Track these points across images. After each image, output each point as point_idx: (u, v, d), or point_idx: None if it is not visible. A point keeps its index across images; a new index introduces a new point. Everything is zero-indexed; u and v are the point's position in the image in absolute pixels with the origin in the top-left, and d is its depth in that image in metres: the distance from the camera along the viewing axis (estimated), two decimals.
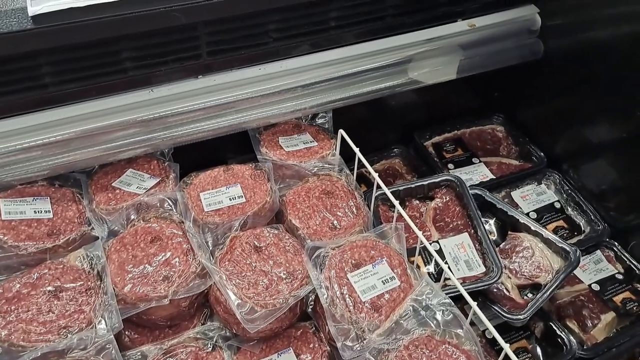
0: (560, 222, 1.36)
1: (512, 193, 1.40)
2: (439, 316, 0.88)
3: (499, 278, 1.08)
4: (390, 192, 1.27)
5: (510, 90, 1.56)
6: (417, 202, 1.29)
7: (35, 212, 1.00)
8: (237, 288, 0.90)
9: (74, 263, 0.94)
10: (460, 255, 1.16)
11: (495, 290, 1.15)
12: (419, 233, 0.93)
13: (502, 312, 1.08)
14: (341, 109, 1.31)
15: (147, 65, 1.04)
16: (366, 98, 1.29)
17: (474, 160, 1.48)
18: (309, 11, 1.13)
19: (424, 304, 0.89)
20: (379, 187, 1.31)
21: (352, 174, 1.14)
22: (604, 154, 1.33)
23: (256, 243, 0.98)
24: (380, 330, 0.86)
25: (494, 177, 1.42)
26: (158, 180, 1.10)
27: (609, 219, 1.33)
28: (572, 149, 1.42)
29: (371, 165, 1.48)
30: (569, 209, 1.39)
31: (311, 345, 0.94)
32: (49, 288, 0.90)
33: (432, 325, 0.87)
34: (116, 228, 1.02)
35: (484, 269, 1.12)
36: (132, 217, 1.03)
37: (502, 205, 1.27)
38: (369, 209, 1.11)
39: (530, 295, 1.14)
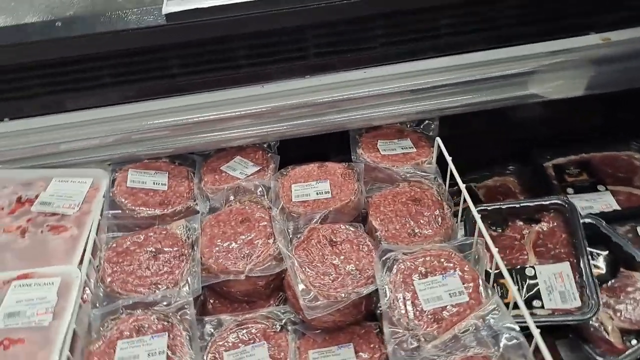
0: None
1: (638, 228, 1.25)
2: (501, 339, 0.83)
3: (592, 315, 0.98)
4: (493, 209, 1.23)
5: None
6: (522, 223, 1.22)
7: (154, 183, 1.15)
8: (305, 276, 0.95)
9: (175, 231, 1.06)
10: (556, 285, 1.07)
11: (592, 329, 1.04)
12: (493, 248, 0.89)
13: (594, 354, 0.98)
14: (456, 119, 1.29)
15: (259, 63, 1.14)
16: (477, 108, 1.25)
17: (599, 187, 1.34)
18: (421, 17, 1.14)
19: (488, 323, 0.84)
20: (480, 202, 1.27)
21: (445, 184, 1.11)
22: None
23: (332, 237, 1.01)
24: (437, 342, 0.84)
25: (619, 209, 1.28)
26: (259, 168, 1.19)
27: None
28: None
29: (483, 181, 1.45)
30: None
31: (372, 345, 0.95)
32: (151, 249, 1.03)
33: (490, 346, 0.82)
34: (217, 206, 1.13)
35: (579, 304, 1.02)
36: (231, 198, 1.13)
37: (618, 239, 1.14)
38: (457, 222, 1.08)
39: (634, 342, 1.01)
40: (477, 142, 1.44)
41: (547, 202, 1.20)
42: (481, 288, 0.91)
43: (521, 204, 1.22)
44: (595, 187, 1.34)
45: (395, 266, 0.94)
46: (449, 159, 1.06)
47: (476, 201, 1.37)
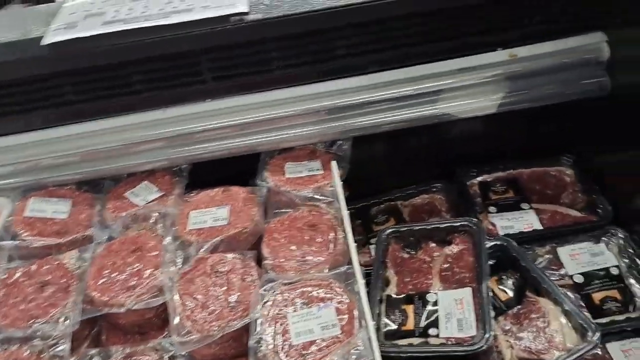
0: (613, 292, 1.13)
1: (558, 249, 1.20)
2: None
3: (482, 347, 0.94)
4: (405, 231, 1.20)
5: (581, 130, 1.34)
6: (435, 245, 1.19)
7: (54, 212, 1.14)
8: (183, 308, 0.93)
9: (66, 261, 1.05)
10: (455, 312, 1.04)
11: (490, 358, 1.00)
12: (358, 271, 0.86)
13: None
14: (372, 138, 1.26)
15: (157, 88, 1.13)
16: (389, 128, 1.22)
17: (522, 205, 1.30)
18: (324, 37, 1.12)
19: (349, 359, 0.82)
20: (404, 221, 1.26)
21: (342, 208, 1.09)
22: None
23: (219, 267, 1.00)
24: None
25: (541, 228, 1.24)
26: (162, 194, 1.17)
27: None
28: None
29: (410, 199, 1.42)
30: (630, 279, 1.15)
31: None
32: (39, 281, 1.02)
33: None
34: (115, 235, 1.12)
35: (474, 332, 0.99)
36: (130, 226, 1.12)
37: (526, 262, 1.10)
38: (354, 246, 1.05)
39: None
40: (403, 160, 1.41)
41: (457, 224, 1.17)
42: (356, 321, 0.89)
43: (432, 226, 1.19)
44: (519, 206, 1.31)
45: (272, 298, 0.92)
46: (338, 183, 1.04)
47: (400, 220, 1.36)
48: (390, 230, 1.20)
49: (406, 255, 1.18)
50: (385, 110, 1.21)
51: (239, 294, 0.95)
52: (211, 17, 1.03)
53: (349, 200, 1.37)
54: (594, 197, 1.28)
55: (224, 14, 1.01)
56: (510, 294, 1.09)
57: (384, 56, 1.16)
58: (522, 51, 1.15)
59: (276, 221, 1.09)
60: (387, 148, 1.39)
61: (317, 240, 1.03)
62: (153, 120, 1.16)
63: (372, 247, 1.28)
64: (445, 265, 1.13)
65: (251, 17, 1.02)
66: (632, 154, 1.21)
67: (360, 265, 1.07)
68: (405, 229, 1.20)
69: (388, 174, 1.42)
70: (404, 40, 1.14)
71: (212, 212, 1.09)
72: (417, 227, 1.19)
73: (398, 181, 1.43)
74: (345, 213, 0.98)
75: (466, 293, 1.06)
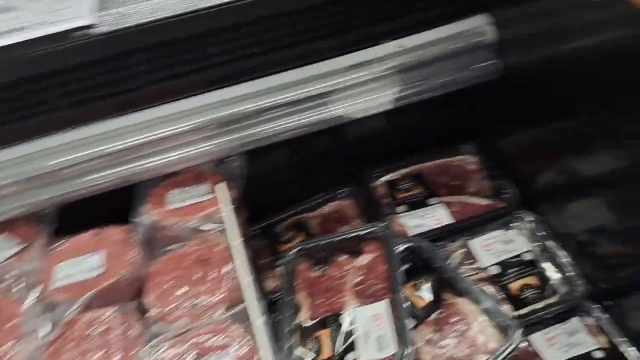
0: (530, 279, 1.09)
1: (469, 242, 1.15)
2: None
3: None
4: (313, 247, 1.10)
5: (479, 114, 1.31)
6: (345, 257, 1.10)
7: None
8: None
9: None
10: (373, 330, 0.95)
11: None
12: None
13: None
14: (268, 149, 1.15)
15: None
16: (281, 138, 1.11)
17: (431, 200, 1.25)
18: (187, 47, 0.99)
19: None
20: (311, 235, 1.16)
21: (236, 234, 0.97)
22: (590, 192, 1.05)
23: (94, 327, 0.84)
24: None
25: (451, 222, 1.19)
26: (22, 247, 1.00)
27: (595, 278, 1.05)
28: (549, 184, 1.15)
29: (317, 210, 1.33)
30: (543, 262, 1.12)
31: None
32: None
33: None
34: None
35: (394, 350, 0.90)
36: None
37: (439, 262, 1.04)
38: (257, 276, 0.93)
39: None
40: (305, 169, 1.31)
41: (364, 231, 1.08)
42: None
43: (339, 237, 1.10)
44: (428, 201, 1.25)
45: (160, 355, 0.78)
46: (228, 207, 0.91)
47: (309, 235, 1.26)
48: (295, 249, 1.09)
49: (316, 274, 1.08)
50: (275, 118, 1.10)
51: (121, 355, 0.80)
52: (50, 35, 0.87)
53: (252, 221, 1.27)
54: (499, 183, 1.25)
55: (62, 29, 0.85)
56: (428, 299, 1.02)
57: (267, 59, 1.05)
58: (410, 41, 1.08)
59: (160, 262, 0.95)
60: (286, 158, 1.28)
61: (210, 278, 0.91)
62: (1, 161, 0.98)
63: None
64: (358, 279, 1.04)
65: (97, 30, 0.87)
66: (529, 132, 1.19)
67: (270, 292, 0.97)
68: (311, 245, 1.10)
69: (291, 185, 1.32)
70: (285, 41, 1.04)
71: (84, 262, 0.94)
72: (324, 241, 1.09)
73: (303, 192, 1.33)
74: (235, 241, 0.86)
75: (382, 306, 0.97)
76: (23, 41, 0.87)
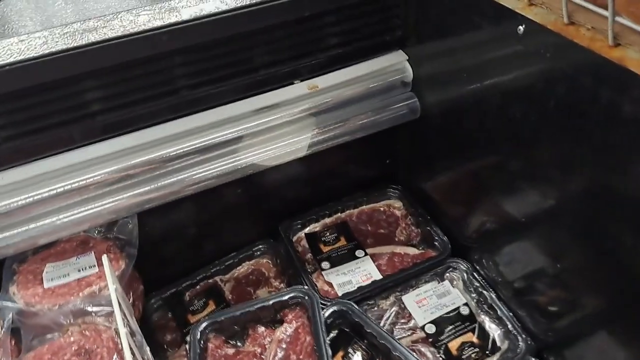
0: (468, 336, 0.99)
1: (403, 298, 1.05)
2: None
3: None
4: (225, 320, 0.94)
5: (403, 156, 1.23)
6: (264, 329, 0.95)
7: None
8: None
9: None
10: None
11: None
12: None
13: None
14: (170, 205, 0.99)
15: None
16: (181, 194, 0.97)
17: (357, 253, 1.13)
18: (56, 94, 0.83)
19: None
20: (225, 301, 1.01)
21: (126, 317, 0.80)
22: (520, 233, 0.97)
23: None
24: None
25: (380, 278, 1.07)
26: None
27: (536, 330, 0.97)
28: (479, 228, 1.07)
29: (231, 271, 1.17)
30: (481, 315, 1.03)
31: None
32: None
33: None
34: None
35: None
36: None
37: (371, 328, 0.92)
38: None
39: None
40: (215, 225, 1.16)
41: (286, 297, 0.95)
42: None
43: (257, 306, 0.95)
44: (354, 254, 1.13)
45: None
46: (112, 283, 0.74)
47: (222, 301, 1.10)
48: (205, 323, 0.93)
49: (231, 351, 0.92)
50: (173, 172, 0.95)
51: None
52: None
53: (153, 290, 1.10)
54: (428, 229, 1.16)
55: None
56: None
57: (159, 105, 0.91)
58: (322, 81, 0.99)
59: (30, 358, 0.75)
60: (190, 214, 1.12)
61: None
62: None
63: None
64: (280, 354, 0.90)
65: None
66: (455, 173, 1.11)
67: None
68: (224, 316, 0.94)
69: (198, 245, 1.16)
70: (181, 83, 0.90)
71: None
72: (239, 311, 0.94)
73: (214, 252, 1.17)
74: (122, 328, 0.69)
75: None
76: None
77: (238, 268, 1.16)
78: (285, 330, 0.92)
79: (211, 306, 1.08)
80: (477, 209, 1.06)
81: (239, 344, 0.94)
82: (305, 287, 0.97)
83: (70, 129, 0.85)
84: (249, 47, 0.92)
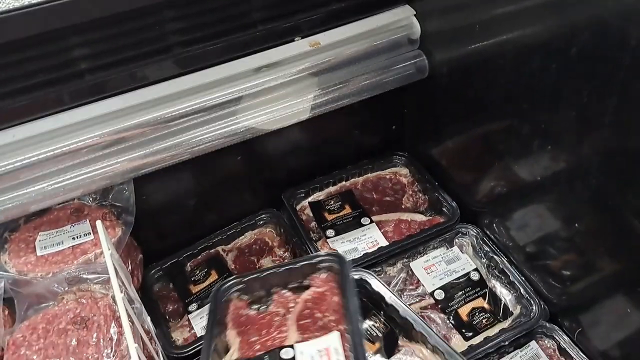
0: (479, 302, 0.96)
1: (411, 264, 1.01)
2: None
3: None
4: (249, 280, 0.89)
5: (409, 120, 1.19)
6: (290, 294, 0.90)
7: None
8: None
9: None
10: None
11: None
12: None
13: None
14: (168, 172, 0.95)
15: None
16: (178, 159, 0.92)
17: (363, 220, 1.09)
18: (47, 48, 0.78)
19: None
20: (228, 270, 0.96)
21: (124, 285, 0.76)
22: (532, 197, 0.93)
23: None
24: None
25: (387, 244, 1.04)
26: None
27: (550, 294, 0.93)
28: (489, 193, 1.03)
29: (233, 240, 1.14)
30: (492, 280, 0.99)
31: None
32: None
33: None
34: None
35: None
36: None
37: (393, 300, 0.87)
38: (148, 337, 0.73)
39: None
40: (216, 193, 1.12)
41: (315, 260, 0.87)
42: None
43: (282, 269, 0.89)
44: (359, 222, 1.09)
45: None
46: (108, 249, 0.70)
47: (224, 271, 1.06)
48: (230, 282, 0.88)
49: (254, 313, 0.88)
50: (170, 135, 0.91)
51: None
52: None
53: (155, 259, 1.06)
54: (436, 196, 1.12)
55: None
56: (380, 341, 0.86)
57: (151, 64, 0.86)
58: (324, 38, 0.93)
59: (24, 328, 0.72)
60: (190, 181, 1.08)
61: (91, 343, 0.69)
62: None
63: (192, 317, 0.97)
64: (305, 312, 0.85)
65: None
66: (464, 138, 1.07)
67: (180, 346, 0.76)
68: (249, 277, 0.89)
69: (200, 214, 1.12)
70: (174, 39, 0.85)
71: None
72: (265, 273, 0.88)
73: (216, 221, 1.13)
74: (118, 294, 0.65)
75: (332, 339, 0.79)
76: None
77: (241, 238, 1.13)
78: (311, 294, 0.87)
79: (213, 276, 1.04)
80: (487, 174, 1.02)
81: (261, 307, 0.90)
82: (334, 251, 0.92)
83: (58, 89, 0.81)
84: (247, 1, 0.87)
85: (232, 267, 1.07)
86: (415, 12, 0.99)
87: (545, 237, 0.93)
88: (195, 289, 1.03)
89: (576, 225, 0.85)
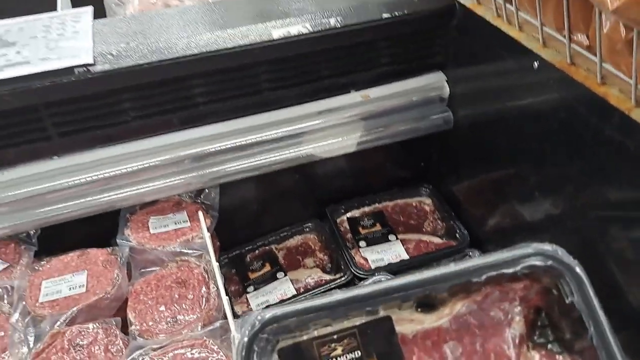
0: None
1: None
2: None
3: None
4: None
5: (435, 160, 1.46)
6: None
7: None
8: None
9: None
10: None
11: None
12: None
13: None
14: (242, 183, 1.25)
15: None
16: (254, 173, 1.22)
17: (390, 237, 1.36)
18: (175, 87, 1.09)
19: None
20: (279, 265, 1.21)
21: (212, 260, 1.05)
22: (531, 233, 1.18)
23: (78, 340, 0.90)
24: None
25: (407, 258, 1.30)
26: (6, 266, 1.05)
27: None
28: (495, 226, 1.29)
29: (284, 241, 1.42)
30: None
31: None
32: None
33: None
34: None
35: None
36: None
37: None
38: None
39: None
40: (275, 203, 1.41)
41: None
42: None
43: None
44: (387, 238, 1.36)
45: None
46: (206, 233, 1.00)
47: (276, 264, 1.34)
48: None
49: None
50: (250, 155, 1.21)
51: None
52: (52, 70, 0.95)
53: (222, 250, 1.35)
54: (451, 224, 1.38)
55: (65, 66, 0.94)
56: None
57: (245, 102, 1.16)
58: (374, 92, 1.22)
59: (141, 282, 1.02)
60: (257, 192, 1.38)
61: (188, 298, 0.98)
62: None
63: (250, 296, 1.25)
64: None
65: (98, 68, 0.97)
66: (477, 178, 1.33)
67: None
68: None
69: (261, 218, 1.41)
70: (264, 86, 1.16)
71: (68, 280, 0.99)
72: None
73: (272, 225, 1.42)
74: (215, 264, 0.94)
75: None
76: (27, 74, 0.95)
77: (290, 240, 1.41)
78: None
79: (267, 267, 1.32)
80: (495, 210, 1.27)
81: None
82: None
83: (178, 115, 1.12)
84: (318, 62, 1.17)
85: (282, 262, 1.35)
86: (446, 78, 1.27)
87: None
88: (252, 275, 1.31)
89: None
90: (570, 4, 0.83)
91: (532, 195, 1.11)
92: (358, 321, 0.58)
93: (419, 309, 0.62)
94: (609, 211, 0.92)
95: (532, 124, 1.04)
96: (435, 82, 1.27)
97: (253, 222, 1.39)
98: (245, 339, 0.50)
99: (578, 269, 0.56)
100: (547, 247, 0.58)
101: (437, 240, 1.36)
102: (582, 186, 0.95)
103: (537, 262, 0.58)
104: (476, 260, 0.58)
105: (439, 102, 1.29)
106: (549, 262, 0.57)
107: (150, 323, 0.94)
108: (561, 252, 0.58)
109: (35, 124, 1.01)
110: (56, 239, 1.13)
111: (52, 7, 1.73)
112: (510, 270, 0.59)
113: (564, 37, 0.88)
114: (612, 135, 0.86)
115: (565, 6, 0.84)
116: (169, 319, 0.94)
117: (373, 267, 1.27)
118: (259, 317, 0.52)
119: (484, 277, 0.58)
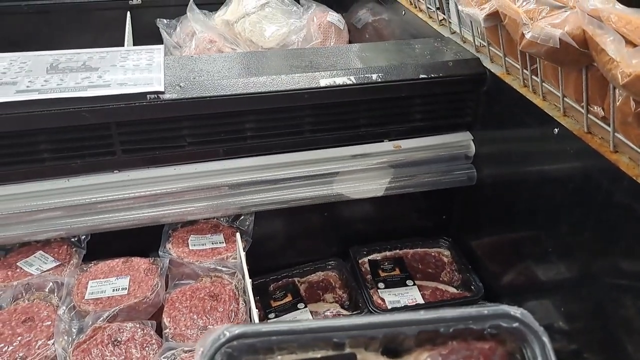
0: None
1: None
2: None
3: None
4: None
5: (457, 214, 1.54)
6: None
7: None
8: None
9: None
10: None
11: None
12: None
13: None
14: (273, 216, 1.35)
15: (63, 157, 1.14)
16: (287, 205, 1.32)
17: (407, 282, 1.43)
18: (230, 120, 1.22)
19: None
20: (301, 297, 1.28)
21: (244, 279, 1.14)
22: (544, 293, 1.24)
23: (117, 336, 0.98)
24: None
25: (423, 302, 1.37)
26: (58, 264, 1.15)
27: None
28: (510, 283, 1.35)
29: (307, 276, 1.50)
30: None
31: None
32: None
33: None
34: (3, 304, 1.06)
35: None
36: (22, 296, 1.08)
37: None
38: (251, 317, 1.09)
39: None
40: (302, 238, 1.50)
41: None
42: None
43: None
44: (405, 282, 1.43)
45: None
46: (242, 253, 1.09)
47: (297, 296, 1.42)
48: None
49: None
50: (284, 188, 1.31)
51: None
52: (127, 94, 1.09)
53: (250, 276, 1.43)
54: (468, 276, 1.45)
55: (140, 91, 1.08)
56: None
57: (287, 140, 1.28)
58: (405, 143, 1.33)
59: (177, 291, 1.11)
60: (287, 226, 1.47)
61: (219, 310, 1.07)
62: (54, 189, 1.16)
63: (270, 322, 1.32)
64: None
65: (167, 96, 1.10)
66: (496, 236, 1.41)
67: None
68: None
69: (287, 251, 1.50)
70: (307, 127, 1.28)
71: (112, 282, 1.09)
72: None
73: (296, 258, 1.51)
74: (248, 282, 1.03)
75: None
76: (105, 95, 1.09)
77: (313, 275, 1.49)
78: None
79: (288, 298, 1.40)
80: (510, 267, 1.34)
81: None
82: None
83: (226, 145, 1.24)
84: (358, 111, 1.29)
85: (303, 294, 1.43)
86: (473, 138, 1.38)
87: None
88: (274, 304, 1.39)
89: (570, 323, 1.14)
90: (589, 78, 0.94)
91: (546, 255, 1.19)
92: (323, 354, 0.57)
93: (384, 354, 0.62)
94: (620, 278, 0.99)
95: (550, 186, 1.13)
96: (462, 141, 1.38)
97: (279, 253, 1.48)
98: (210, 351, 0.51)
99: (544, 337, 0.59)
100: (516, 310, 0.61)
101: (452, 290, 1.43)
102: (593, 250, 1.02)
103: (503, 323, 0.60)
104: (447, 311, 0.60)
105: (465, 159, 1.40)
106: (515, 324, 0.59)
107: (183, 328, 1.02)
108: (528, 317, 0.60)
109: (104, 140, 1.14)
110: (103, 246, 1.23)
111: (120, 44, 1.93)
112: (479, 327, 0.59)
113: (582, 108, 0.99)
114: (621, 199, 0.94)
115: (584, 80, 0.95)
116: (199, 326, 1.02)
117: (389, 307, 1.34)
118: (226, 332, 0.52)
119: (451, 329, 0.59)
